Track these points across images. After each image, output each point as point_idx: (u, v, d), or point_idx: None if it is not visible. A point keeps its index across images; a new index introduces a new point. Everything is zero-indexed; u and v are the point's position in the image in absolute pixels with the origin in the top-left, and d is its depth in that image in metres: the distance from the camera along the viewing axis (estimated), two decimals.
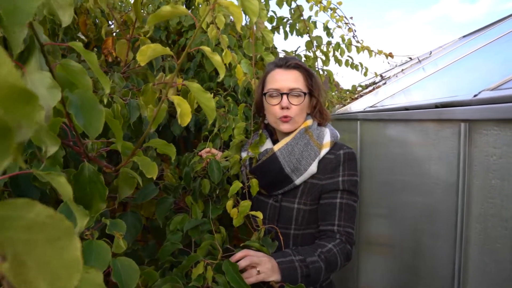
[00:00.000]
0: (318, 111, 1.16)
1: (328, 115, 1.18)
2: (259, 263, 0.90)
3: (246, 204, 1.05)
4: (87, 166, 0.62)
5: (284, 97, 1.09)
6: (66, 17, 0.37)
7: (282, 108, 1.10)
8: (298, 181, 1.09)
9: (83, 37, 1.77)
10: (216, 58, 0.53)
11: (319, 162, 1.10)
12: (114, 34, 1.63)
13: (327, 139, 1.12)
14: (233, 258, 0.90)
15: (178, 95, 1.32)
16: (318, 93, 1.15)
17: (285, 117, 1.10)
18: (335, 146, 1.12)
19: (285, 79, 1.11)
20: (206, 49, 0.52)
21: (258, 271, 0.90)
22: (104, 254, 0.61)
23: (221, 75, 0.55)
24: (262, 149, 1.18)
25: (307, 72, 1.14)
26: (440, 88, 1.56)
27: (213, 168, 1.12)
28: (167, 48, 0.51)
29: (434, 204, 1.13)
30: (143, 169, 0.57)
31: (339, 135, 1.15)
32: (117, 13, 1.45)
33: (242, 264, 0.89)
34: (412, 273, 1.25)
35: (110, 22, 1.68)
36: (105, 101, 0.42)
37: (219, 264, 0.86)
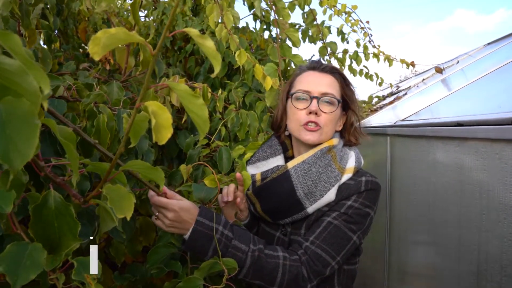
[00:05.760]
0: (348, 130, 1.00)
1: (357, 138, 1.01)
2: (165, 207, 0.75)
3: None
4: (53, 195, 0.50)
5: (314, 101, 0.92)
6: None
7: (310, 112, 0.92)
8: (311, 209, 0.91)
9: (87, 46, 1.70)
10: (208, 45, 0.39)
11: (338, 188, 0.93)
12: None
13: (351, 164, 0.95)
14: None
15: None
16: (354, 107, 0.98)
17: (312, 124, 0.92)
18: (357, 173, 0.96)
19: (318, 82, 0.95)
20: (193, 32, 0.39)
21: (157, 215, 0.78)
22: None
23: (217, 69, 0.42)
24: (272, 165, 1.00)
25: (345, 81, 0.98)
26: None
27: (222, 156, 1.01)
28: (135, 33, 0.38)
29: None
30: (113, 205, 0.44)
31: (363, 162, 0.99)
32: (116, 18, 1.36)
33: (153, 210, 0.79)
34: None
35: None
36: (46, 106, 0.31)
37: None
